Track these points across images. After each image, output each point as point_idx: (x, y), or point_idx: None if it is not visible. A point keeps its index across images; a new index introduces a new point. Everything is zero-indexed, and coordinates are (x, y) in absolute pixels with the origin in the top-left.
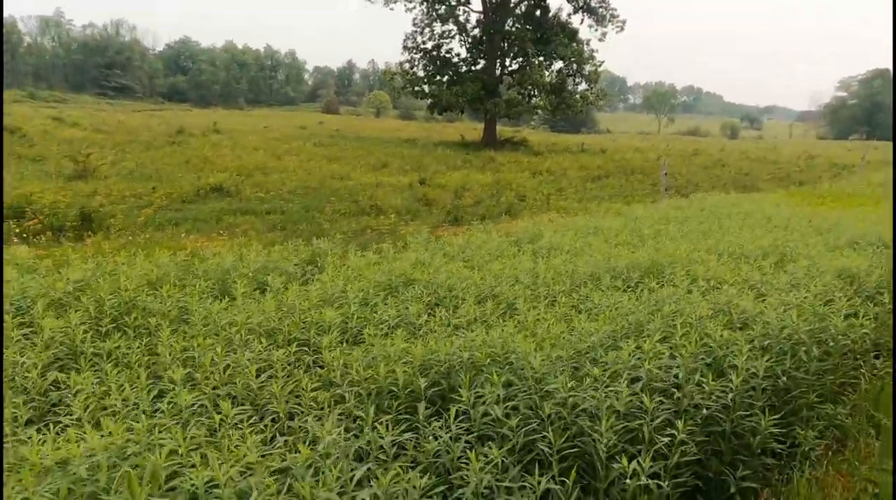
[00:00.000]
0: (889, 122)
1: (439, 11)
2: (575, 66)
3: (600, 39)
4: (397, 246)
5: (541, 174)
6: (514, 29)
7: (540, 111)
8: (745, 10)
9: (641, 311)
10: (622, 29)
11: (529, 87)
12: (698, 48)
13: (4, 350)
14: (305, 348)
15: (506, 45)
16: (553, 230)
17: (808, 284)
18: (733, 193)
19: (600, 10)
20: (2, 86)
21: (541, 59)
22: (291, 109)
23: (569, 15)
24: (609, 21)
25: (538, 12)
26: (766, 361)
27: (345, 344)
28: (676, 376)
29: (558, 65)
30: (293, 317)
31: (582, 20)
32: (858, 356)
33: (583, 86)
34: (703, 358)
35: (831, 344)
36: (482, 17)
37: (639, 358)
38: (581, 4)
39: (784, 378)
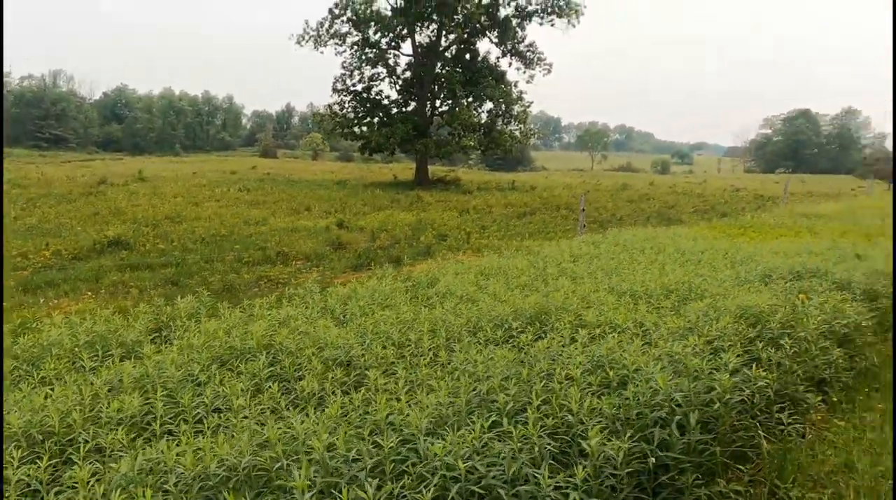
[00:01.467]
0: (812, 158)
1: (369, 55)
2: (504, 106)
3: (528, 82)
4: (272, 301)
5: (467, 213)
6: (443, 72)
7: (470, 151)
8: (673, 54)
9: (497, 375)
10: (549, 72)
11: (459, 127)
12: (629, 90)
13: None
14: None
15: (436, 87)
16: (455, 273)
17: (703, 328)
18: (656, 226)
19: (528, 54)
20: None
21: (469, 100)
22: (227, 154)
23: (497, 58)
24: (536, 64)
25: (467, 56)
26: (630, 438)
27: (139, 443)
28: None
29: (488, 106)
30: (79, 412)
31: (510, 63)
32: (759, 413)
33: (513, 125)
34: (549, 444)
35: (716, 407)
36: (412, 60)
37: (450, 454)
38: (509, 48)
39: (652, 460)
